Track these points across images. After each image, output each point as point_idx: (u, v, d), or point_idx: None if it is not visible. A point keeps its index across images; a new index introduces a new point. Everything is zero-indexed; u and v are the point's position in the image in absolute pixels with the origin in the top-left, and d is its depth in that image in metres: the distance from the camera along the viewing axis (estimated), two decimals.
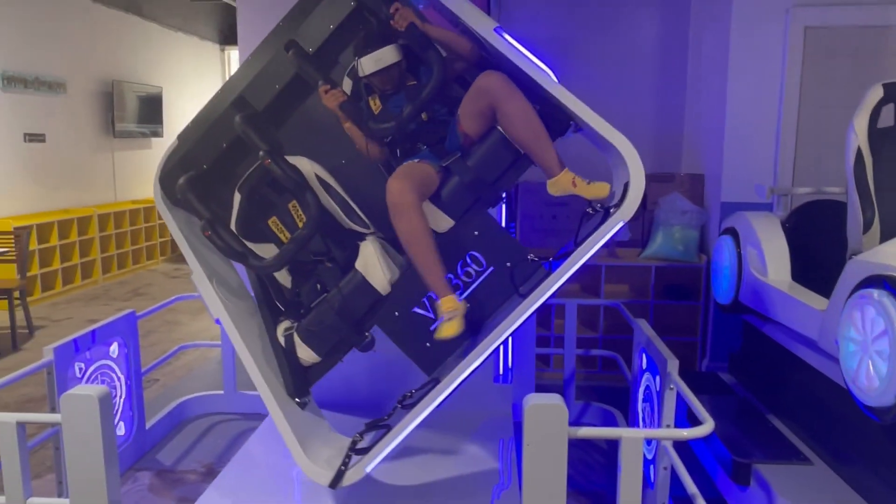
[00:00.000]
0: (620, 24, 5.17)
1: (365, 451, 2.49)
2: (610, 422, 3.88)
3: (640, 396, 3.09)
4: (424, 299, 2.64)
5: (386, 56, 2.55)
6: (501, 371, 3.85)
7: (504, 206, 3.62)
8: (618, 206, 2.35)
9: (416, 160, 2.58)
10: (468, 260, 2.62)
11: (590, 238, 2.37)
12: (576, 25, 5.15)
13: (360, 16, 2.74)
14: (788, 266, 3.25)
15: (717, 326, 4.52)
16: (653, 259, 4.65)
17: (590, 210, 2.46)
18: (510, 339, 3.76)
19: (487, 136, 2.55)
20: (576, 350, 3.90)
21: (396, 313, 2.66)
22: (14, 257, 5.71)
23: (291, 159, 2.70)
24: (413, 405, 2.48)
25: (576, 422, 3.89)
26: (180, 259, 9.77)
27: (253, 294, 2.95)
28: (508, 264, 2.62)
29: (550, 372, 4.67)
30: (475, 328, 2.59)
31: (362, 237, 2.73)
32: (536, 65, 2.43)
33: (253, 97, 2.78)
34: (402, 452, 3.12)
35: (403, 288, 2.64)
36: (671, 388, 2.57)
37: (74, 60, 7.86)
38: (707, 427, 2.11)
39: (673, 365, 2.57)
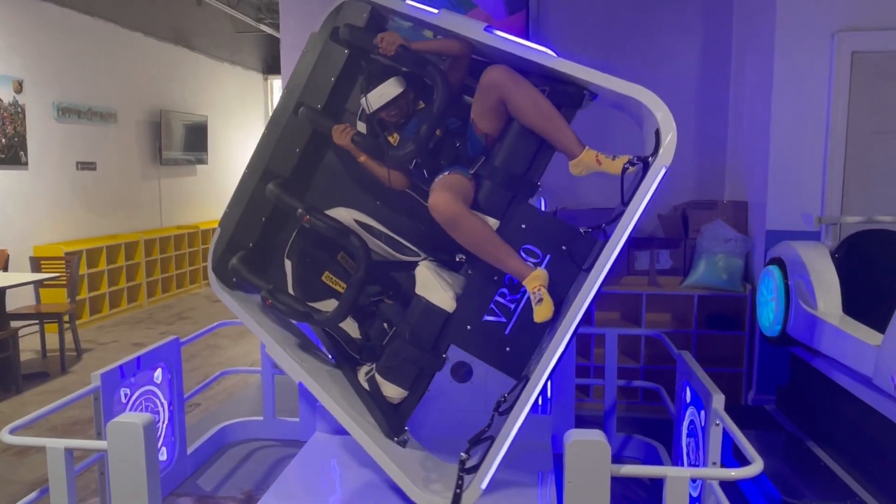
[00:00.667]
0: (660, 51, 5.14)
1: (475, 468, 2.49)
2: (653, 456, 3.78)
3: (685, 431, 3.01)
4: (492, 305, 2.62)
5: (389, 89, 2.61)
6: (540, 401, 3.79)
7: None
8: (655, 154, 2.32)
9: (446, 173, 2.61)
10: (523, 254, 2.59)
11: (637, 192, 2.33)
12: (614, 53, 5.13)
13: (357, 61, 2.82)
14: (839, 298, 3.15)
15: (763, 358, 4.40)
16: (695, 288, 4.56)
17: (628, 167, 2.41)
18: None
19: (507, 131, 2.57)
20: (617, 381, 3.83)
21: (469, 327, 2.65)
22: (65, 282, 5.89)
23: (329, 212, 2.77)
24: (510, 409, 2.46)
25: (617, 455, 3.81)
26: None
27: (324, 349, 3.01)
28: (564, 247, 2.58)
29: (591, 402, 4.59)
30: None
31: (415, 265, 2.75)
32: (534, 48, 2.47)
33: (278, 166, 2.88)
34: None
35: (469, 301, 2.64)
36: (717, 424, 2.50)
37: (125, 91, 8.16)
38: (756, 467, 2.04)
39: (718, 400, 2.51)
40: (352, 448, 3.56)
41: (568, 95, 2.53)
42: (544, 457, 3.47)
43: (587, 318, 4.65)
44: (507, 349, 2.63)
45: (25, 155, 6.69)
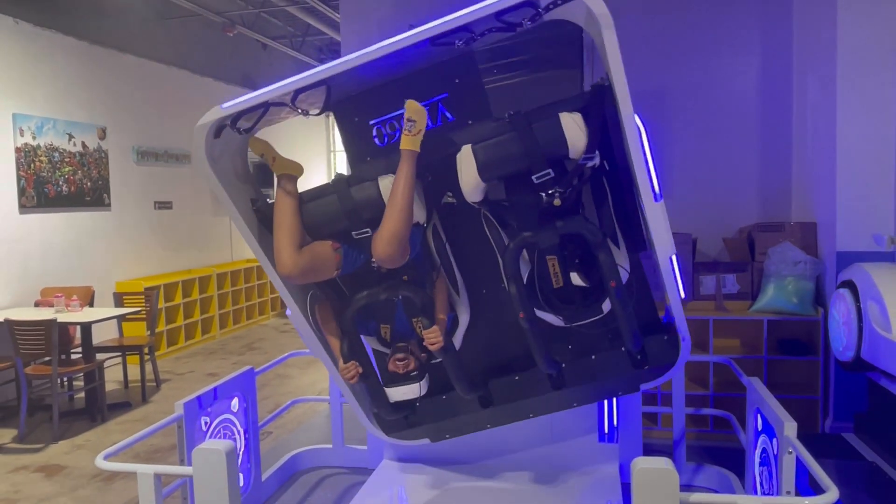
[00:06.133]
0: (719, 71, 5.12)
1: None
2: (725, 485, 3.70)
3: (757, 460, 2.95)
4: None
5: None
6: (607, 430, 3.78)
7: None
8: None
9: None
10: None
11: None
12: (673, 78, 5.15)
13: None
14: None
15: (839, 384, 4.25)
16: (764, 312, 4.46)
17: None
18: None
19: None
20: (685, 408, 3.78)
21: None
22: (144, 316, 6.22)
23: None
24: None
25: (688, 484, 3.74)
26: None
27: None
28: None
29: (658, 430, 4.52)
30: None
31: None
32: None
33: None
34: None
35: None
36: (790, 452, 2.46)
37: None
38: (831, 496, 2.00)
39: (791, 428, 2.46)
40: (419, 474, 3.62)
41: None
42: (612, 486, 3.45)
43: None
44: None
45: (108, 197, 7.14)
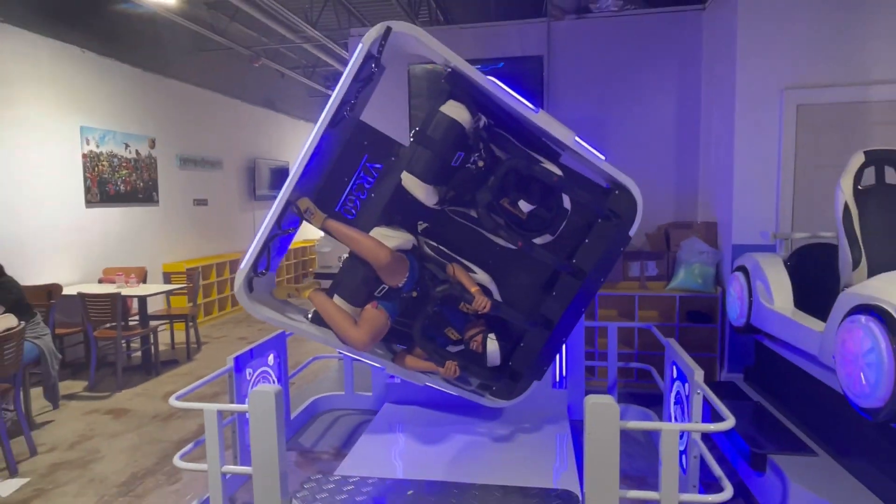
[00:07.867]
0: (645, 109, 5.30)
1: None
2: (647, 420, 3.90)
3: (672, 400, 3.13)
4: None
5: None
6: (558, 378, 3.95)
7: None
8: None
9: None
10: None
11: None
12: (608, 111, 5.32)
13: None
14: (791, 296, 3.26)
15: (732, 344, 4.49)
16: (677, 290, 4.67)
17: None
18: (564, 352, 3.88)
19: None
20: (617, 363, 3.96)
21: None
22: (187, 291, 6.21)
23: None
24: None
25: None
26: None
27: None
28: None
29: (595, 380, 4.71)
30: None
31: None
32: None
33: None
34: (477, 443, 3.25)
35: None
36: (698, 393, 2.63)
37: (227, 144, 8.55)
38: (730, 422, 2.18)
39: (699, 374, 2.63)
40: (414, 413, 3.74)
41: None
42: (562, 422, 3.60)
43: (591, 314, 4.79)
44: None
45: (157, 195, 7.07)
